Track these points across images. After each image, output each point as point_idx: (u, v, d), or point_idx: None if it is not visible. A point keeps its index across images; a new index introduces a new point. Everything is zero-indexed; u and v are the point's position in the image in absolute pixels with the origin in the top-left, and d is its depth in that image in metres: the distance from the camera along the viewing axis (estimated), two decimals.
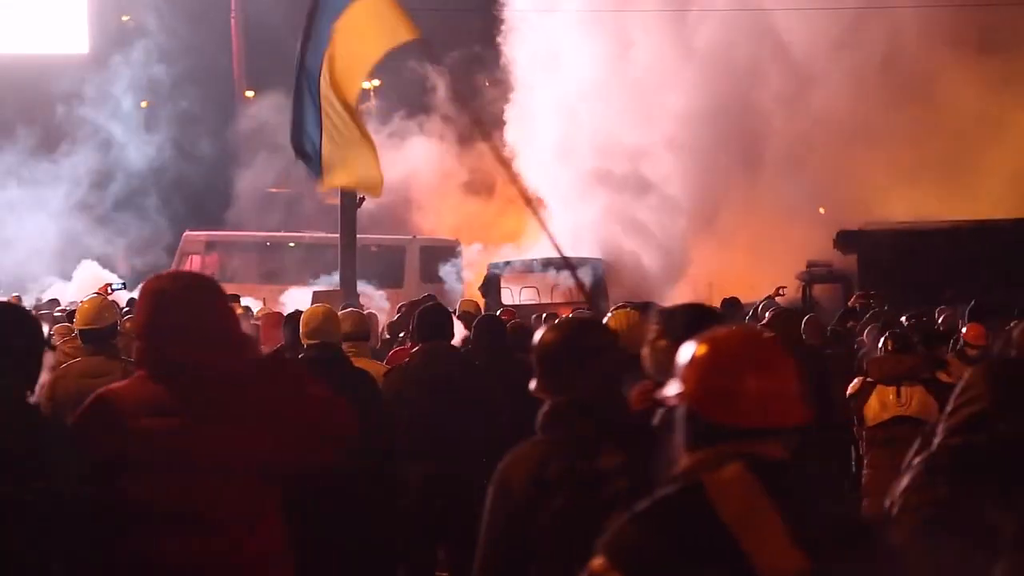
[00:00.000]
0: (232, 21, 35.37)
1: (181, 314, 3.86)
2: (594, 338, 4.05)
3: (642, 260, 26.00)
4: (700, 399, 2.81)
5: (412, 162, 30.15)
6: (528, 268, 25.07)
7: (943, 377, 7.70)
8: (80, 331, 7.80)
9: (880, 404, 7.60)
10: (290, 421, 3.85)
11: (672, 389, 2.88)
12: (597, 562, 2.73)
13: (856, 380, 7.77)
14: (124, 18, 36.08)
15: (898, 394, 7.56)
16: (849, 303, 15.08)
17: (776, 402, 2.81)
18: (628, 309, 7.26)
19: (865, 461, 7.69)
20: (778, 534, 2.65)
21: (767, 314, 9.86)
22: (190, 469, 3.76)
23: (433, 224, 31.12)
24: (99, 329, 7.67)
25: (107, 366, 7.36)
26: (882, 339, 7.99)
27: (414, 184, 30.89)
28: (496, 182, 29.27)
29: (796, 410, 2.83)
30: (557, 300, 22.69)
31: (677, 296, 24.76)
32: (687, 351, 2.88)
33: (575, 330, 4.12)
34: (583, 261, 25.16)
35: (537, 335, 4.08)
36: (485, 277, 25.09)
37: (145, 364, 3.92)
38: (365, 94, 34.68)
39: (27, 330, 4.10)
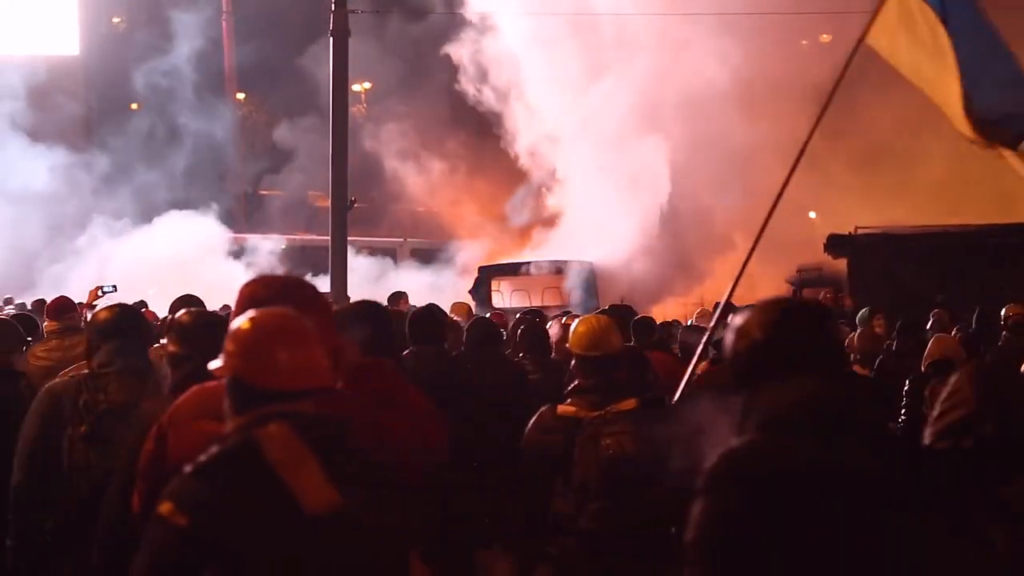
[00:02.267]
0: (223, 23, 35.36)
1: None
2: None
3: (634, 265, 25.99)
4: (244, 368, 3.35)
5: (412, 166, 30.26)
6: (518, 271, 25.09)
7: (858, 370, 9.03)
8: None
9: None
10: (377, 433, 3.73)
11: (219, 362, 3.40)
12: (165, 507, 3.21)
13: None
14: (115, 20, 36.10)
15: None
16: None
17: (304, 369, 3.36)
18: (598, 313, 7.33)
19: None
20: (316, 475, 3.24)
21: None
22: None
23: (432, 226, 31.25)
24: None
25: None
26: None
27: (414, 187, 31.02)
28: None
29: (321, 375, 3.41)
30: (547, 303, 22.69)
31: (668, 301, 24.84)
32: (232, 327, 3.43)
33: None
34: (573, 265, 25.21)
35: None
36: (476, 280, 25.10)
37: None
38: (356, 97, 34.78)
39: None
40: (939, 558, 2.91)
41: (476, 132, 30.63)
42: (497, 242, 29.01)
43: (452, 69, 28.19)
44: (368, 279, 24.72)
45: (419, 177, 30.79)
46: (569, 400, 5.75)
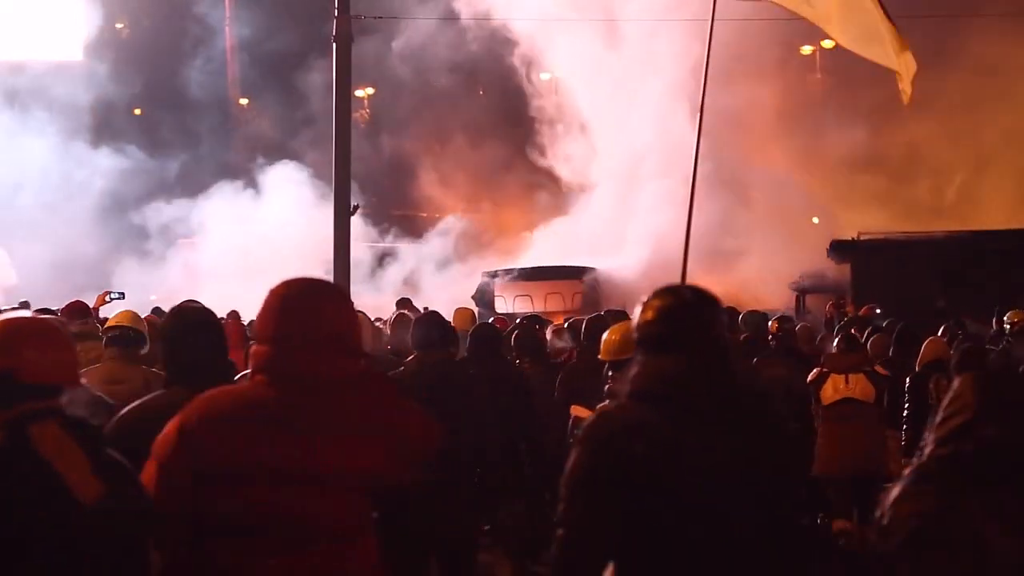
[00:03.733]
0: (227, 28, 35.40)
1: (305, 323, 3.77)
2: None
3: (636, 271, 25.99)
4: (12, 365, 3.52)
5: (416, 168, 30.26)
6: (521, 277, 25.09)
7: (880, 369, 9.87)
8: (109, 329, 7.71)
9: (833, 389, 9.58)
10: (393, 434, 3.77)
11: None
12: None
13: (815, 371, 9.69)
14: (118, 25, 36.12)
15: (846, 381, 9.54)
16: (826, 311, 15.62)
17: (63, 366, 3.65)
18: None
19: (819, 432, 9.61)
20: (84, 467, 3.52)
21: (772, 322, 11.21)
22: (294, 481, 3.65)
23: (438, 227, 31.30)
24: (127, 329, 7.61)
25: (126, 372, 7.29)
26: (835, 339, 10.12)
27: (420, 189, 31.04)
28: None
29: (73, 374, 3.70)
30: (550, 308, 22.69)
31: None
32: None
33: None
34: (577, 271, 25.22)
35: None
36: (479, 286, 25.12)
37: (264, 371, 3.80)
38: (358, 102, 34.81)
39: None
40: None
41: (483, 133, 30.65)
42: (511, 244, 29.09)
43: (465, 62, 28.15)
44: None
45: (435, 182, 30.83)
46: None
